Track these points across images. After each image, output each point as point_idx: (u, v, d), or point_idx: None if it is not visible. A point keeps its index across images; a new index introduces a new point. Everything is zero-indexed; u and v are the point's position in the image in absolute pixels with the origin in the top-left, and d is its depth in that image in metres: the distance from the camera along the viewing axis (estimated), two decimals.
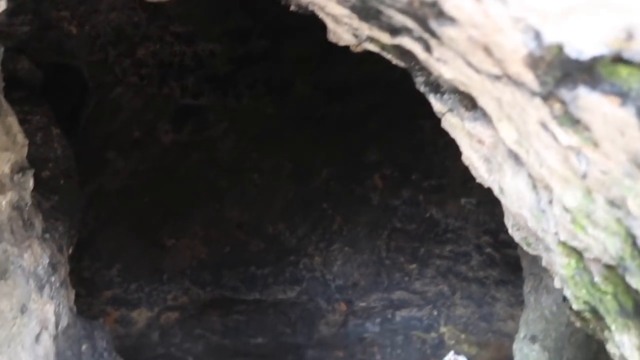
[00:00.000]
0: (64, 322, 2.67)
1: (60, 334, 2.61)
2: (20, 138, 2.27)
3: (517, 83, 0.96)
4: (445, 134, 5.34)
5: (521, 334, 2.80)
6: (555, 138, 1.01)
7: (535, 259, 2.78)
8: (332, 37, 1.91)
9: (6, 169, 2.16)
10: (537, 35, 0.81)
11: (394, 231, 5.21)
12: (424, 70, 1.52)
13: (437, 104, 1.49)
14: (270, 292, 5.20)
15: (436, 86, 1.51)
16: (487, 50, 0.92)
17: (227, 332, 4.93)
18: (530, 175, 1.28)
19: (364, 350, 4.87)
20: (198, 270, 5.17)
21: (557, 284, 1.56)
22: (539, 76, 0.90)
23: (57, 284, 2.51)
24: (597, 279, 1.23)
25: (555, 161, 1.07)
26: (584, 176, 1.03)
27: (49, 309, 2.32)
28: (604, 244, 1.11)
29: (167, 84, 5.16)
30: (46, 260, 2.37)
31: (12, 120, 2.22)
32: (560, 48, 0.81)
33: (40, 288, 2.26)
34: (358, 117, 5.27)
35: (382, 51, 1.57)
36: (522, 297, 4.80)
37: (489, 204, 4.86)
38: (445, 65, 1.17)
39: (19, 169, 2.24)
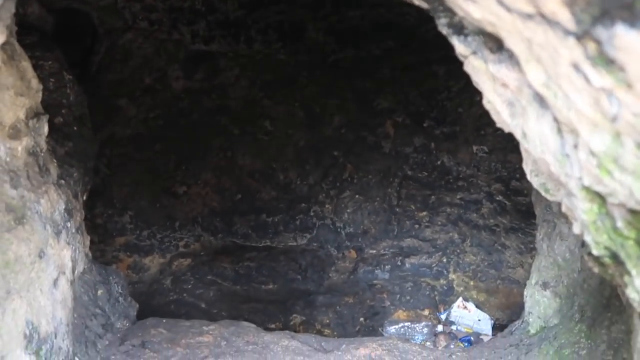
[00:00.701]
0: (80, 267, 2.69)
1: (76, 279, 2.64)
2: (35, 83, 2.25)
3: (551, 22, 0.93)
4: (459, 80, 5.30)
5: (533, 280, 2.80)
6: (587, 80, 0.99)
7: (549, 206, 2.78)
8: None
9: (21, 115, 2.14)
10: None
11: (405, 179, 5.21)
12: (449, 11, 1.48)
13: (460, 46, 1.46)
14: (281, 239, 5.24)
15: (460, 28, 1.47)
16: None
17: (239, 278, 4.97)
18: (555, 119, 1.26)
19: (373, 297, 4.91)
20: (210, 218, 5.20)
21: (576, 229, 1.54)
22: (576, 14, 0.87)
23: (73, 230, 2.52)
24: (620, 224, 1.22)
25: (585, 104, 1.05)
26: (614, 119, 1.01)
27: (66, 254, 2.34)
28: (631, 189, 1.10)
29: (177, 30, 5.10)
30: (62, 206, 2.38)
31: (27, 65, 2.19)
32: None
33: (57, 233, 2.27)
34: (371, 63, 5.21)
35: None
36: (532, 244, 4.84)
37: (501, 151, 4.86)
38: (474, 4, 1.14)
39: (33, 115, 2.23)
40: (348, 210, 5.23)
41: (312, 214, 5.26)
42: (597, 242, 1.34)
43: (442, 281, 5.02)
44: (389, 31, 5.14)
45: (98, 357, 2.55)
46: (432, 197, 5.13)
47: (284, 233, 5.24)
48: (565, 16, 0.88)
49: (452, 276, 5.02)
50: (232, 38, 5.15)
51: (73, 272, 2.47)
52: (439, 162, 5.12)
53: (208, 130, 5.16)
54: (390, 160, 5.21)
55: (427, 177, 5.15)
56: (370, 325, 4.77)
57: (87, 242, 2.87)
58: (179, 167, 5.16)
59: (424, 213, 5.14)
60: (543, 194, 1.85)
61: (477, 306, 4.87)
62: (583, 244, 1.55)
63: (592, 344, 2.11)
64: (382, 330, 4.74)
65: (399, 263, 5.06)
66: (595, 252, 1.36)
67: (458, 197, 5.07)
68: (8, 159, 2.08)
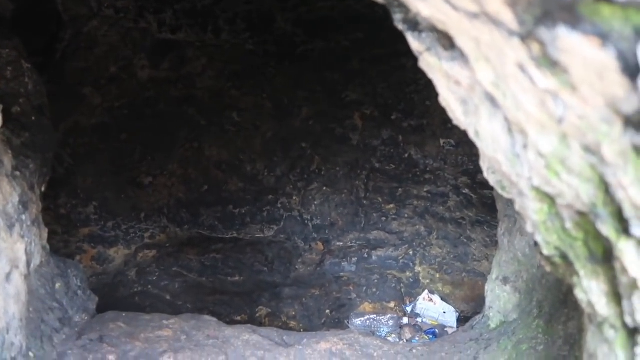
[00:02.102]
0: (36, 260, 2.64)
1: (32, 273, 2.59)
2: None
3: (496, 22, 0.91)
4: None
5: (494, 275, 2.82)
6: (532, 81, 0.98)
7: (510, 202, 2.79)
8: None
9: None
10: None
11: (372, 171, 5.21)
12: (403, 6, 1.46)
13: (414, 43, 1.44)
14: (247, 231, 5.21)
15: (414, 24, 1.45)
16: None
17: (204, 270, 4.94)
18: (506, 119, 1.25)
19: (339, 289, 4.91)
20: (176, 209, 5.15)
21: (528, 228, 1.55)
22: (518, 15, 0.86)
23: (29, 222, 2.47)
24: (569, 225, 1.22)
25: (532, 105, 1.04)
26: (561, 121, 1.01)
27: (20, 248, 2.29)
28: (577, 191, 1.10)
29: (144, 18, 5.03)
30: (16, 199, 2.32)
31: None
32: None
33: (10, 227, 2.22)
34: (340, 55, 5.19)
35: None
36: (497, 238, 4.88)
37: (467, 145, 4.87)
38: (423, 2, 1.12)
39: None
40: (315, 202, 5.21)
41: (279, 205, 5.24)
42: (548, 242, 1.34)
43: (408, 274, 5.04)
44: (358, 23, 5.12)
45: (54, 352, 2.51)
46: (400, 189, 5.14)
47: (251, 225, 5.21)
48: (508, 16, 0.87)
49: (418, 269, 5.04)
50: (199, 27, 5.09)
51: (28, 265, 2.42)
52: (406, 155, 5.12)
53: (174, 120, 5.10)
54: (358, 152, 5.20)
55: (394, 169, 5.15)
56: (336, 317, 4.77)
57: (45, 235, 2.81)
58: (145, 158, 5.10)
59: (391, 205, 5.15)
60: (500, 191, 1.85)
61: (442, 299, 4.90)
62: (535, 243, 1.55)
63: (549, 339, 2.12)
64: (348, 322, 4.75)
65: (365, 255, 5.06)
66: (545, 252, 1.36)
67: (425, 190, 5.09)
68: None
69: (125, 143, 5.04)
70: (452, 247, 5.00)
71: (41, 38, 4.96)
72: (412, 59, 4.67)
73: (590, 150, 0.99)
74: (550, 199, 1.23)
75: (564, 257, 1.30)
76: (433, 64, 1.46)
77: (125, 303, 4.60)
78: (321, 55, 5.20)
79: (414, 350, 2.60)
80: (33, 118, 2.97)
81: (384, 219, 5.15)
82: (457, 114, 1.46)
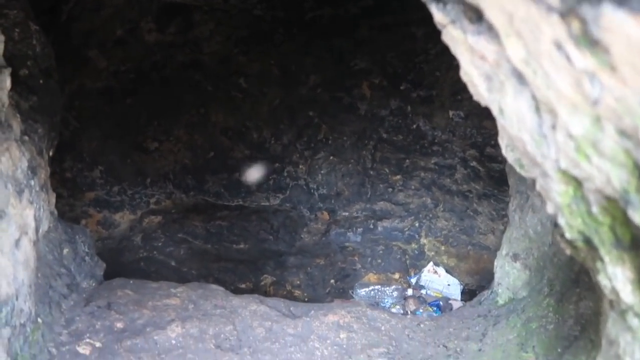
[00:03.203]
0: (44, 226, 2.62)
1: (40, 239, 2.57)
2: None
3: None
4: (437, 43, 5.20)
5: (503, 251, 2.80)
6: (569, 60, 0.94)
7: (523, 178, 2.75)
8: None
9: None
10: None
11: (380, 141, 5.17)
12: None
13: (438, 15, 1.40)
14: (253, 199, 5.19)
15: None
16: None
17: (210, 237, 4.94)
18: (534, 97, 1.21)
19: (344, 259, 4.91)
20: (181, 175, 5.13)
21: (550, 209, 1.52)
22: None
23: (37, 188, 2.44)
24: (595, 209, 1.19)
25: (566, 85, 1.01)
26: (596, 102, 0.97)
27: (29, 214, 2.27)
28: (608, 175, 1.07)
29: None
30: (25, 164, 2.30)
31: None
32: None
33: (20, 192, 2.20)
34: (349, 22, 5.11)
35: None
36: (504, 211, 4.85)
37: (476, 117, 4.82)
38: None
39: None
40: (322, 172, 5.19)
41: (285, 174, 5.21)
42: (571, 226, 1.31)
43: (413, 245, 5.03)
44: None
45: (62, 318, 2.50)
46: (407, 161, 5.10)
47: (257, 193, 5.19)
48: None
49: (423, 241, 5.03)
50: None
51: (37, 231, 2.41)
52: (414, 126, 5.07)
53: (181, 85, 5.04)
54: (366, 122, 5.16)
55: (402, 140, 5.11)
56: (340, 287, 4.78)
57: (53, 200, 2.79)
58: (151, 123, 5.06)
59: (398, 177, 5.12)
60: (518, 169, 1.82)
61: (447, 271, 4.90)
62: (556, 225, 1.52)
63: (560, 318, 2.11)
64: (353, 292, 4.76)
65: (371, 226, 5.05)
66: (568, 235, 1.33)
67: (432, 161, 5.05)
68: None
69: (131, 107, 5.00)
70: (458, 219, 4.98)
71: None
72: (422, 27, 4.61)
73: (626, 134, 0.96)
74: (576, 182, 1.20)
75: (588, 241, 1.27)
76: (457, 37, 1.41)
77: (130, 268, 4.61)
78: (330, 22, 5.12)
79: (422, 325, 2.59)
80: (41, 81, 2.93)
81: (390, 190, 5.12)
82: (480, 90, 1.42)
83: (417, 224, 5.06)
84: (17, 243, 2.16)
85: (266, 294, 4.70)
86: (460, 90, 4.86)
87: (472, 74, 1.41)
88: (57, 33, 4.70)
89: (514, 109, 1.30)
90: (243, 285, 4.67)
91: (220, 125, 5.12)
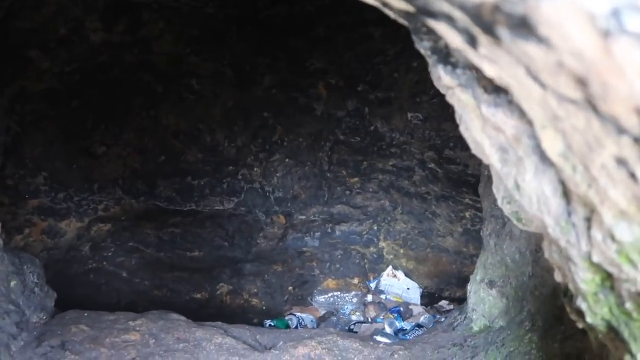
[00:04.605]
0: None
1: None
2: None
3: (605, 117, 0.77)
4: (395, 44, 5.12)
5: (477, 276, 2.74)
6: (632, 177, 0.84)
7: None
8: None
9: None
10: None
11: (337, 143, 5.07)
12: (432, 34, 1.30)
13: (445, 77, 1.28)
14: (206, 203, 5.03)
15: (445, 55, 1.29)
16: (581, 82, 0.72)
17: (162, 245, 4.75)
18: (561, 182, 1.11)
19: (302, 265, 4.81)
20: (131, 180, 4.91)
21: (557, 278, 1.43)
22: None
23: None
24: (630, 305, 1.10)
25: (619, 195, 0.90)
26: None
27: None
28: None
29: None
30: None
31: None
32: None
33: None
34: (304, 21, 4.95)
35: (383, 7, 1.33)
36: (462, 213, 4.84)
37: (435, 119, 4.77)
38: (492, 64, 0.96)
39: None
40: (277, 174, 5.06)
41: (239, 177, 5.06)
42: (594, 313, 1.22)
43: (372, 249, 4.97)
44: None
45: None
46: (364, 162, 5.02)
47: (210, 197, 5.02)
48: (630, 121, 0.72)
49: (382, 244, 4.98)
50: None
51: None
52: (372, 128, 4.98)
53: (130, 87, 4.81)
54: (322, 123, 5.04)
55: (359, 142, 5.02)
56: (299, 294, 4.69)
57: None
58: (98, 126, 4.82)
59: (356, 179, 5.03)
60: (515, 222, 1.73)
61: (406, 274, 4.87)
62: (565, 294, 1.44)
63: (544, 356, 2.05)
64: (311, 299, 4.68)
65: (329, 230, 4.97)
66: (589, 319, 1.24)
67: (390, 163, 4.98)
68: None
69: (77, 110, 4.74)
70: (417, 222, 4.94)
71: None
72: (380, 28, 4.48)
73: None
74: (605, 272, 1.11)
75: (614, 330, 1.18)
76: (466, 102, 1.30)
77: (79, 280, 4.41)
78: (285, 20, 4.96)
79: (395, 355, 2.51)
80: None
81: (348, 192, 5.04)
82: (492, 160, 1.31)
83: (375, 227, 5.00)
84: None
85: (222, 303, 4.57)
86: (419, 92, 4.79)
87: (482, 141, 1.30)
88: None
89: (534, 188, 1.20)
90: (198, 295, 4.52)
91: (171, 128, 4.92)
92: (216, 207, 5.03)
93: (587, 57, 0.67)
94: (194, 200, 5.01)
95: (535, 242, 2.27)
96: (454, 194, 4.85)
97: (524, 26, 0.73)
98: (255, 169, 5.07)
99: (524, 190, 1.19)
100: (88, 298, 4.06)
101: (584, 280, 1.14)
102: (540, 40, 0.73)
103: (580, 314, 1.24)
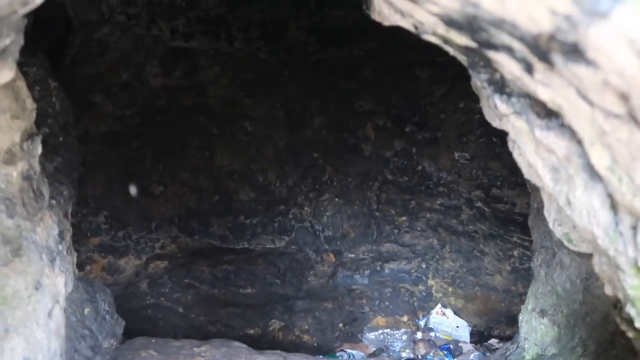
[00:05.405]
0: (69, 288, 2.58)
1: (65, 301, 2.54)
2: (29, 103, 2.13)
3: None
4: (441, 86, 5.26)
5: (529, 306, 2.80)
6: None
7: (548, 232, 2.76)
8: (374, 15, 1.79)
9: (16, 138, 2.02)
10: None
11: (385, 183, 5.17)
12: (489, 67, 1.43)
13: (501, 106, 1.40)
14: (258, 241, 5.16)
15: (501, 86, 1.42)
16: (624, 97, 0.84)
17: (216, 281, 4.89)
18: (608, 195, 1.22)
19: (352, 302, 4.89)
20: (186, 219, 5.09)
21: (608, 291, 1.52)
22: None
23: (64, 252, 2.41)
24: None
25: None
26: None
27: (60, 281, 2.24)
28: None
29: (156, 25, 4.96)
30: (56, 231, 2.27)
31: (21, 85, 2.07)
32: None
33: (52, 261, 2.17)
34: (353, 64, 5.14)
35: (444, 44, 1.47)
36: (510, 252, 4.88)
37: (482, 158, 4.86)
38: (546, 88, 1.09)
39: (27, 136, 2.11)
40: (327, 213, 5.17)
41: (290, 216, 5.19)
42: None
43: (420, 287, 5.02)
44: (372, 32, 5.04)
45: None
46: (412, 202, 5.11)
47: (262, 235, 5.16)
48: None
49: (430, 282, 5.02)
50: (212, 35, 5.03)
51: (64, 297, 2.37)
52: (419, 167, 5.09)
53: (186, 129, 5.03)
54: (371, 163, 5.17)
55: (407, 181, 5.12)
56: (349, 331, 4.75)
57: (75, 260, 2.76)
58: (156, 166, 5.03)
59: (404, 218, 5.12)
60: (565, 243, 1.82)
61: (455, 313, 4.89)
62: (615, 306, 1.52)
63: None
64: (362, 336, 4.74)
65: (378, 268, 5.04)
66: (638, 324, 1.33)
67: (438, 202, 5.06)
68: (3, 186, 1.97)
69: (136, 151, 4.98)
70: (465, 260, 4.98)
71: (50, 41, 4.87)
72: (426, 70, 4.65)
73: None
74: None
75: None
76: (520, 127, 1.42)
77: (137, 315, 4.55)
78: (334, 64, 5.16)
79: None
80: (60, 138, 2.92)
81: (396, 231, 5.12)
82: (545, 180, 1.42)
83: (424, 266, 5.06)
84: (50, 313, 2.13)
85: (274, 339, 4.66)
86: (465, 132, 4.91)
87: (536, 164, 1.41)
88: (60, 77, 4.66)
89: (584, 203, 1.30)
90: (251, 331, 4.63)
91: (225, 168, 5.10)
92: (268, 246, 5.16)
93: (628, 75, 0.79)
94: (247, 238, 5.15)
95: (586, 270, 2.33)
96: (501, 233, 4.90)
97: (575, 51, 0.86)
98: (305, 208, 5.20)
99: (575, 205, 1.30)
100: (146, 333, 4.16)
101: (632, 286, 1.23)
102: (589, 62, 0.85)
103: (630, 322, 1.33)
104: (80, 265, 4.72)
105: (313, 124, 5.19)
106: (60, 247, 2.35)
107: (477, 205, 4.97)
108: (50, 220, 2.21)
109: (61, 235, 2.38)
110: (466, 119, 4.81)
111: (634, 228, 1.17)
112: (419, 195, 5.10)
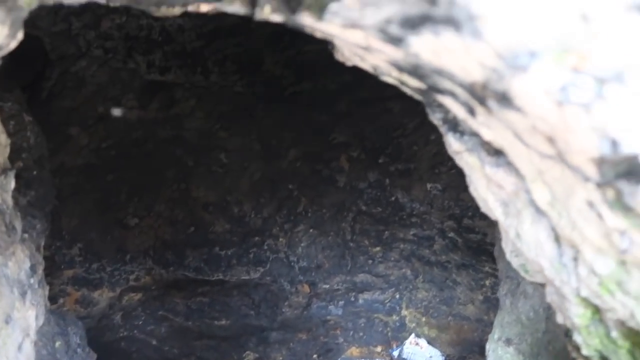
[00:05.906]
0: (40, 321, 2.60)
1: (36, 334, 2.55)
2: (3, 138, 2.18)
3: (574, 168, 0.96)
4: (414, 118, 5.35)
5: (495, 335, 2.85)
6: (600, 217, 1.02)
7: None
8: (337, 56, 1.88)
9: None
10: (614, 144, 0.81)
11: (359, 214, 5.24)
12: (443, 107, 1.50)
13: (455, 144, 1.48)
14: (233, 272, 5.18)
15: (455, 125, 1.50)
16: (550, 140, 0.92)
17: (191, 313, 4.90)
18: (553, 229, 1.29)
19: (326, 333, 4.92)
20: (161, 250, 5.11)
21: (559, 320, 1.59)
22: (602, 170, 0.91)
23: (36, 285, 2.44)
24: (615, 334, 1.27)
25: (594, 233, 1.09)
26: (624, 252, 1.05)
27: (31, 315, 2.26)
28: (632, 311, 1.14)
29: (132, 59, 5.02)
30: (27, 264, 2.30)
31: None
32: (635, 157, 0.81)
33: (23, 294, 2.20)
34: (328, 97, 5.23)
35: (401, 85, 1.55)
36: (482, 281, 4.95)
37: (454, 189, 4.95)
38: (488, 129, 1.16)
39: (1, 171, 2.15)
40: (302, 244, 5.22)
41: (265, 247, 5.23)
42: (588, 344, 1.38)
43: (394, 317, 5.06)
44: (346, 66, 5.16)
45: None
46: (386, 232, 5.17)
47: (237, 266, 5.18)
48: (591, 170, 0.92)
49: (404, 312, 5.07)
50: (188, 69, 5.10)
51: (35, 330, 2.39)
52: (393, 198, 5.16)
53: (162, 161, 5.07)
54: (345, 194, 5.24)
55: (381, 212, 5.19)
56: None
57: (46, 292, 2.78)
58: (132, 199, 5.06)
59: (378, 248, 5.18)
60: (522, 274, 1.89)
61: (428, 342, 4.94)
62: (566, 334, 1.59)
63: None
64: None
65: (352, 299, 5.08)
66: (585, 352, 1.40)
67: (411, 233, 5.13)
68: None
69: (112, 183, 5.00)
70: (438, 290, 5.04)
71: (26, 76, 4.91)
72: (399, 103, 4.76)
73: None
74: (595, 307, 1.27)
75: (605, 359, 1.34)
76: (473, 164, 1.50)
77: (111, 348, 4.55)
78: (309, 97, 5.24)
79: None
80: (35, 172, 2.95)
81: (370, 261, 5.17)
82: (496, 213, 1.50)
83: (397, 296, 5.11)
84: (20, 346, 2.15)
85: None
86: (437, 164, 5.00)
87: (487, 198, 1.49)
88: (37, 110, 4.70)
89: (531, 236, 1.38)
90: None
91: (201, 200, 5.14)
92: (243, 277, 5.19)
93: (551, 121, 0.87)
94: (222, 270, 5.18)
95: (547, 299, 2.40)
96: (473, 263, 4.98)
97: (505, 99, 0.94)
98: (280, 239, 5.24)
99: (524, 238, 1.37)
100: None
101: (577, 314, 1.30)
102: (518, 109, 0.94)
103: (578, 348, 1.40)
104: (53, 298, 4.72)
105: (288, 155, 5.26)
106: (31, 281, 2.37)
107: (449, 235, 5.04)
108: (22, 254, 2.24)
109: (33, 268, 2.40)
110: (438, 151, 4.90)
111: (575, 259, 1.25)
112: (392, 225, 5.17)
